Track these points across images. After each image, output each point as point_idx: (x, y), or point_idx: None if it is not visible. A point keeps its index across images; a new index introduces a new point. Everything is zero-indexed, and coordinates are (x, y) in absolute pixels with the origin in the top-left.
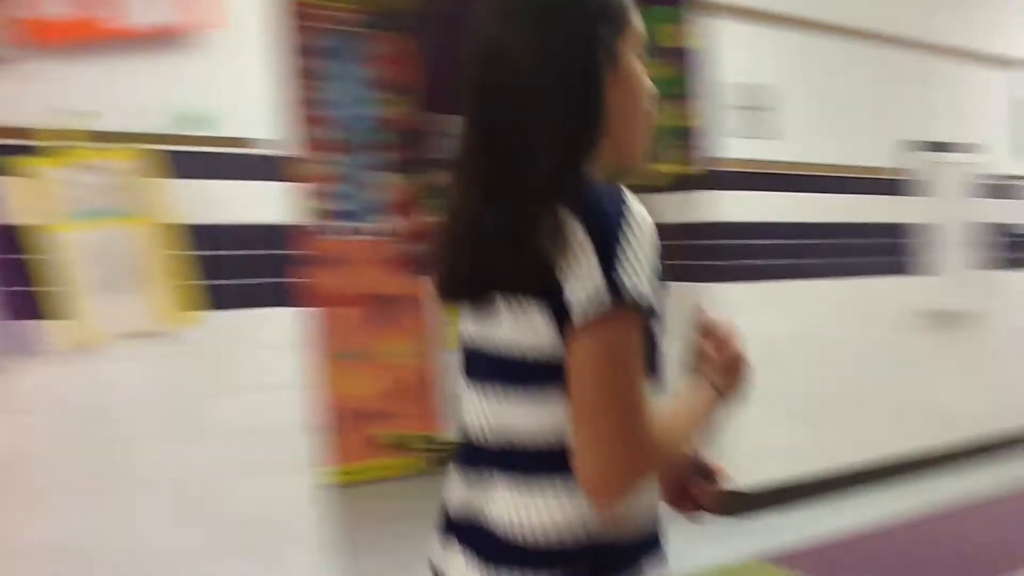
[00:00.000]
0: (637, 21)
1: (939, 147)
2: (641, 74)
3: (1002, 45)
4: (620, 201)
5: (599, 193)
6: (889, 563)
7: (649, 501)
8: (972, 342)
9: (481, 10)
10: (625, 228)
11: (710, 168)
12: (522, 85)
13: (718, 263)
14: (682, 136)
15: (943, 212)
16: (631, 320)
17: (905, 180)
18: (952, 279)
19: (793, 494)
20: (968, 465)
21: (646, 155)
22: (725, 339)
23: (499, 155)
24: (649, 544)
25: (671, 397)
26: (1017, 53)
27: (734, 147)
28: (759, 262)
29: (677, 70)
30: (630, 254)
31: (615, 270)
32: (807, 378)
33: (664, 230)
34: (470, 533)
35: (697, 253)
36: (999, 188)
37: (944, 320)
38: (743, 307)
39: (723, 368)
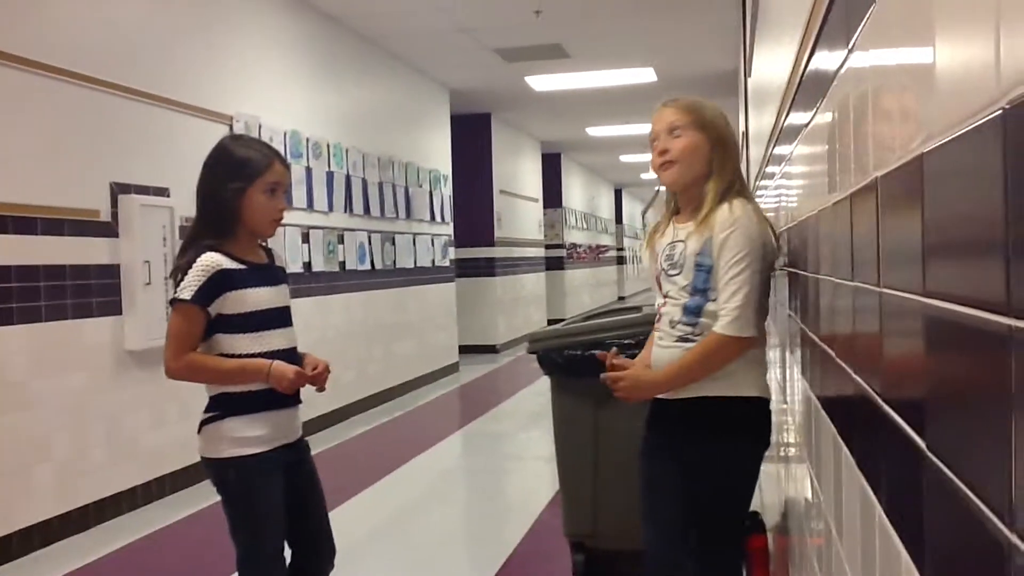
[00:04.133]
0: (271, 171)
1: (147, 190)
2: (262, 197)
3: (216, 102)
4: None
5: None
6: None
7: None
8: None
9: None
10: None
11: None
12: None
13: None
14: None
15: (147, 252)
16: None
17: (110, 222)
18: (153, 316)
19: None
20: (172, 494)
21: (263, 232)
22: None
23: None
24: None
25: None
26: (226, 109)
27: None
28: None
29: None
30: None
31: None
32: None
33: None
34: None
35: None
36: None
37: (146, 356)
38: None
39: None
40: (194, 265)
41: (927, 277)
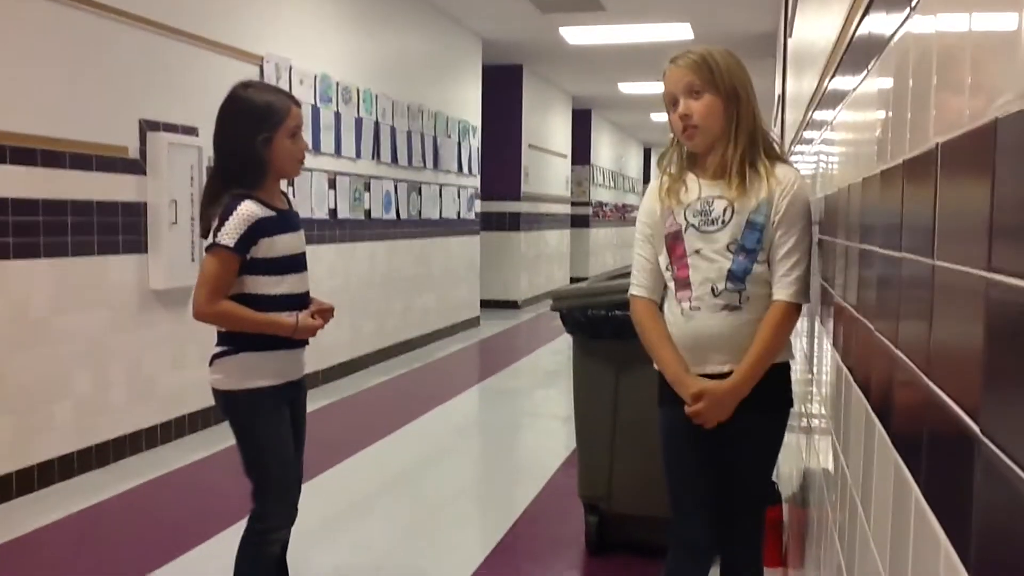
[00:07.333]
0: (292, 116)
1: (175, 129)
2: (287, 142)
3: (246, 42)
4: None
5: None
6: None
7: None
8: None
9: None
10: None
11: None
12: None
13: None
14: None
15: (174, 191)
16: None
17: (138, 159)
18: (179, 257)
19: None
20: (191, 434)
21: (291, 175)
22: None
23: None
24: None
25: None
26: (256, 49)
27: None
28: None
29: None
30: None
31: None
32: (21, 366)
33: None
34: None
35: None
36: None
37: (170, 297)
38: None
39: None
40: (235, 213)
41: (993, 250)
